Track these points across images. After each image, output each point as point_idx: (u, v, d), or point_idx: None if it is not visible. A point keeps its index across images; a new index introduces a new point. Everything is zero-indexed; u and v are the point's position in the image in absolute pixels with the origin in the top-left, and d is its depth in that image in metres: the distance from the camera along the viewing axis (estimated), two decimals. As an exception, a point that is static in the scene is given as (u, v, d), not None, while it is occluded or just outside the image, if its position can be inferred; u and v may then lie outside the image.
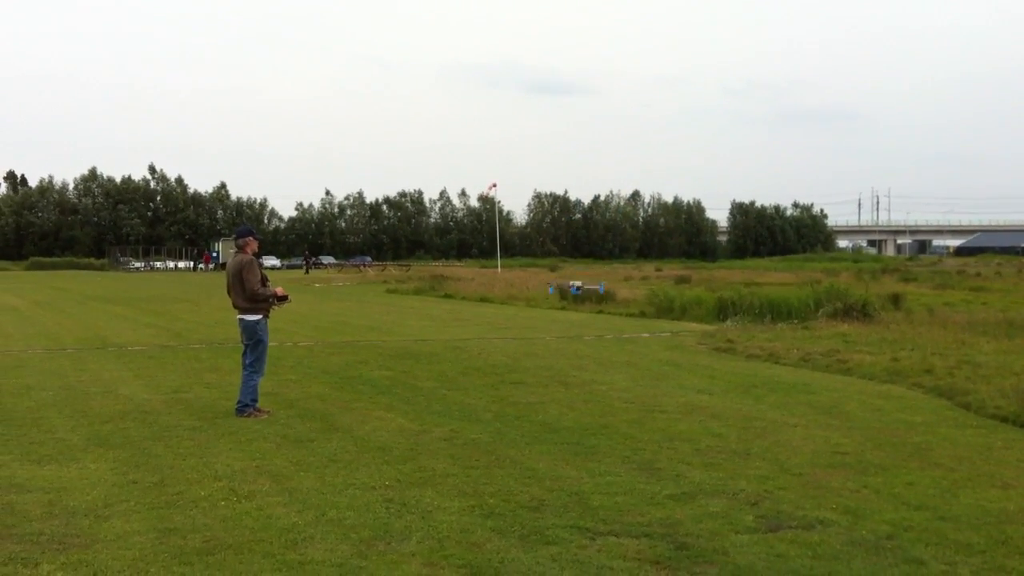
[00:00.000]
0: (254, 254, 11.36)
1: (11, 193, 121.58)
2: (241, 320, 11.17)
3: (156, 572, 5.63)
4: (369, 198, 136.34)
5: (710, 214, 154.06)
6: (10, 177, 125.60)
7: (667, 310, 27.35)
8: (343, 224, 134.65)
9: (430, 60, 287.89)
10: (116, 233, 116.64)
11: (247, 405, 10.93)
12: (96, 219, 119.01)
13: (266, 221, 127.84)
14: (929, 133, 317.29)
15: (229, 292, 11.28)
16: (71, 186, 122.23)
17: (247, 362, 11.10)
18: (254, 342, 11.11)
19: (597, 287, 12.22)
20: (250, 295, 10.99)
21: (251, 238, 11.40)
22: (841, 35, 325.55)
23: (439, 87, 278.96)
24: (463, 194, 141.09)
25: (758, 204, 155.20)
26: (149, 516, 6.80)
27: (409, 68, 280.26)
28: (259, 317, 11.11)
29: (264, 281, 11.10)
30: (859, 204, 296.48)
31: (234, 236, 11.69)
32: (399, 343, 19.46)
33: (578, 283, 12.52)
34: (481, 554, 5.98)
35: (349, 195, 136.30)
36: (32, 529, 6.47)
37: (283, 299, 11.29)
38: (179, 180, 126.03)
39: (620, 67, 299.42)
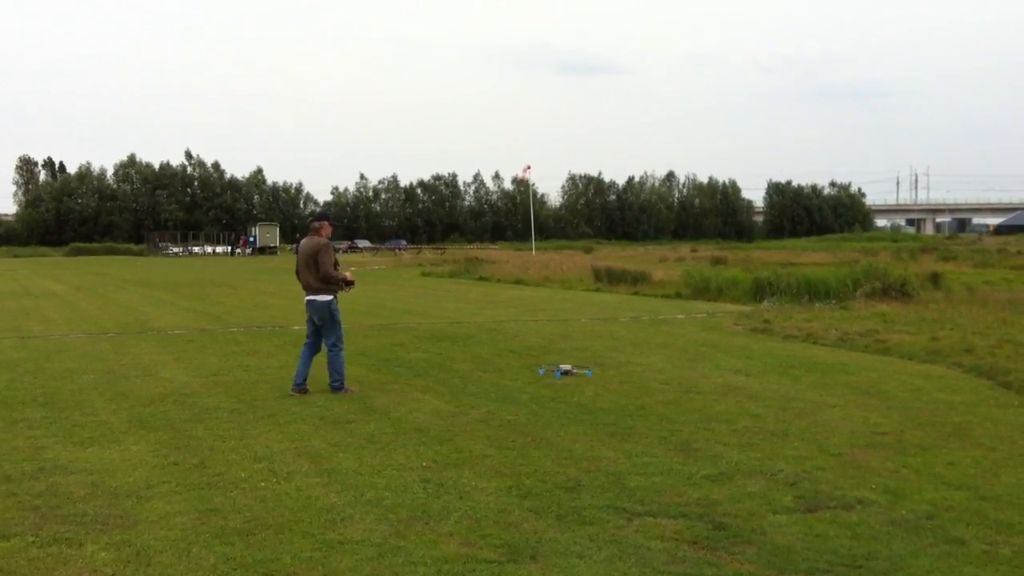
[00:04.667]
0: (328, 238, 11.68)
1: (51, 180, 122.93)
2: (312, 301, 11.46)
3: (197, 552, 5.70)
4: (403, 181, 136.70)
5: (746, 194, 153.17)
6: (49, 164, 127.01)
7: (703, 291, 27.23)
8: (378, 208, 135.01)
9: (461, 43, 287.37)
10: (154, 218, 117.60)
11: (342, 383, 11.30)
12: (135, 205, 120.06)
13: (302, 205, 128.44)
14: (968, 110, 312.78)
15: (298, 274, 11.59)
16: (110, 172, 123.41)
17: (330, 342, 11.40)
18: (330, 321, 11.41)
19: (585, 371, 12.27)
20: (324, 276, 11.33)
21: (326, 222, 11.82)
22: (876, 10, 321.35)
23: (471, 70, 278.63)
24: (497, 176, 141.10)
25: (794, 183, 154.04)
26: (190, 497, 6.89)
27: (440, 51, 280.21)
28: (331, 298, 11.44)
29: (336, 265, 11.47)
30: (897, 182, 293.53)
31: (310, 220, 12.05)
32: (435, 325, 19.52)
33: (566, 366, 12.61)
34: (518, 534, 6.01)
35: (384, 179, 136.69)
36: (76, 510, 6.57)
37: (350, 284, 11.63)
38: (216, 165, 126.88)
39: (652, 46, 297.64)
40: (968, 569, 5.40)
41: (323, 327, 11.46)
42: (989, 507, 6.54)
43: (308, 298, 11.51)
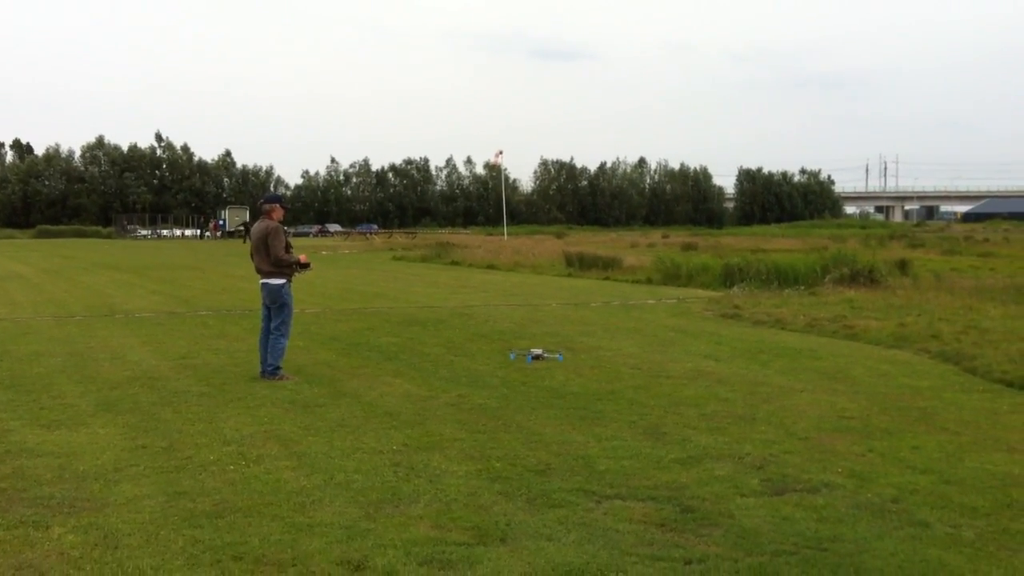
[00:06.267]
0: (280, 221, 11.52)
1: (17, 161, 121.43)
2: (265, 284, 11.38)
3: (166, 535, 5.68)
4: (375, 166, 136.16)
5: (717, 181, 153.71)
6: (16, 145, 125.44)
7: (674, 277, 27.34)
8: (349, 192, 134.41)
9: (432, 27, 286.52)
10: (123, 201, 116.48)
11: (277, 368, 11.10)
12: (103, 187, 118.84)
13: (272, 189, 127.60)
14: (937, 99, 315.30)
15: (252, 257, 11.50)
16: (77, 154, 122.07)
17: (274, 325, 11.29)
18: (279, 305, 11.31)
19: (556, 356, 12.28)
20: (275, 260, 11.23)
21: (277, 205, 11.66)
22: (848, 1, 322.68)
23: (443, 54, 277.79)
24: (469, 161, 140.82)
25: (765, 171, 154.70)
26: (158, 480, 6.85)
27: (413, 35, 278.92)
28: (283, 281, 11.33)
29: (288, 248, 11.33)
30: (866, 170, 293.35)
31: (260, 202, 11.89)
32: (406, 310, 19.49)
33: (537, 351, 12.62)
34: (488, 516, 6.02)
35: (355, 163, 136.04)
36: (43, 493, 6.52)
37: (305, 266, 11.56)
38: (185, 148, 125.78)
39: (625, 33, 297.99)
40: (932, 551, 5.47)
41: (273, 310, 11.38)
42: (953, 491, 6.62)
43: (262, 281, 11.44)
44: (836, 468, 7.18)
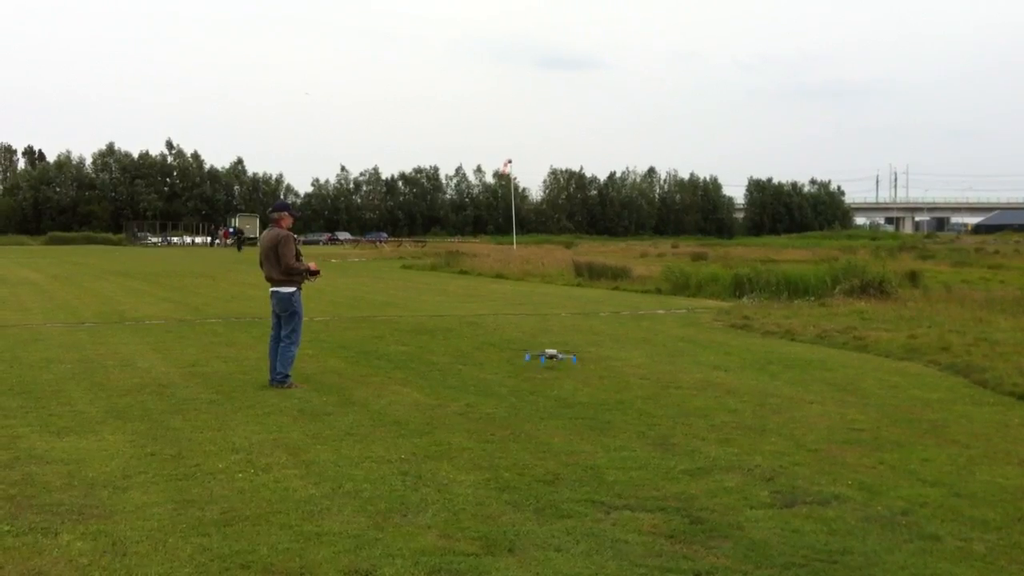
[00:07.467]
0: (289, 229, 11.53)
1: (29, 168, 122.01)
2: (275, 293, 11.36)
3: (174, 542, 5.68)
4: (385, 174, 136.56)
5: (727, 191, 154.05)
6: (28, 152, 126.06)
7: (683, 287, 27.32)
8: (359, 200, 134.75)
9: (441, 36, 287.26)
10: (133, 208, 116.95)
11: (286, 376, 11.10)
12: (113, 194, 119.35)
13: (282, 197, 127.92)
14: (948, 109, 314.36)
15: (261, 265, 11.47)
16: (88, 161, 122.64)
17: (284, 333, 11.27)
18: (289, 313, 11.30)
19: (570, 357, 12.31)
20: (285, 269, 11.20)
21: (286, 213, 11.63)
22: (856, 8, 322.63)
23: (452, 63, 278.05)
24: (479, 170, 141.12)
25: (775, 181, 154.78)
26: (167, 488, 6.85)
27: (421, 44, 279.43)
28: (293, 289, 11.32)
29: (298, 256, 11.31)
30: (877, 181, 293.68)
31: (269, 211, 11.89)
32: (415, 318, 19.50)
33: (551, 351, 12.66)
34: (496, 526, 6.01)
35: (365, 171, 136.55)
36: (52, 500, 6.53)
37: (315, 274, 11.53)
38: (195, 155, 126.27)
39: (632, 42, 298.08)
40: (942, 565, 5.44)
41: (283, 319, 11.37)
42: (964, 504, 6.59)
43: (272, 289, 11.43)
44: (846, 480, 7.15)
